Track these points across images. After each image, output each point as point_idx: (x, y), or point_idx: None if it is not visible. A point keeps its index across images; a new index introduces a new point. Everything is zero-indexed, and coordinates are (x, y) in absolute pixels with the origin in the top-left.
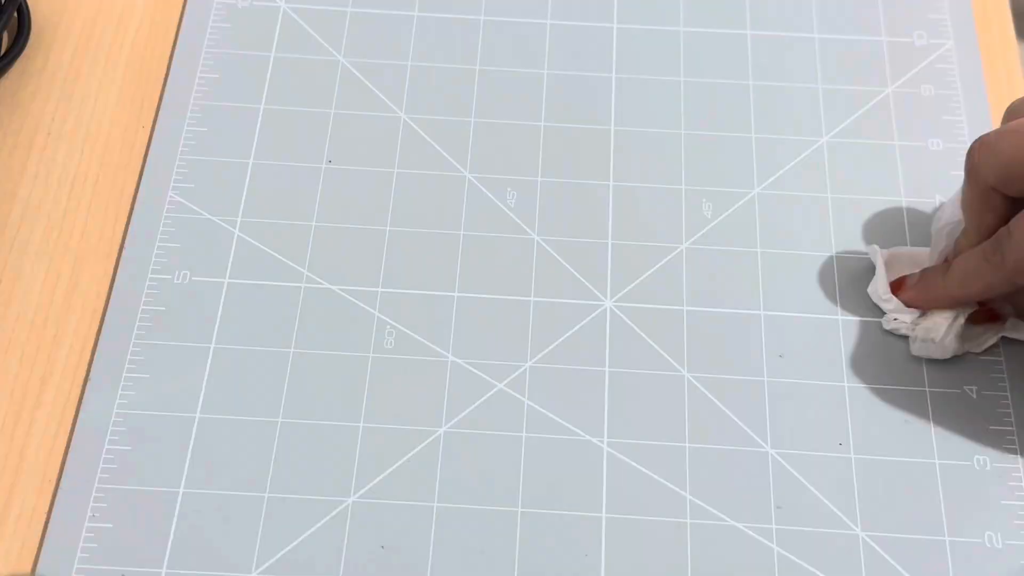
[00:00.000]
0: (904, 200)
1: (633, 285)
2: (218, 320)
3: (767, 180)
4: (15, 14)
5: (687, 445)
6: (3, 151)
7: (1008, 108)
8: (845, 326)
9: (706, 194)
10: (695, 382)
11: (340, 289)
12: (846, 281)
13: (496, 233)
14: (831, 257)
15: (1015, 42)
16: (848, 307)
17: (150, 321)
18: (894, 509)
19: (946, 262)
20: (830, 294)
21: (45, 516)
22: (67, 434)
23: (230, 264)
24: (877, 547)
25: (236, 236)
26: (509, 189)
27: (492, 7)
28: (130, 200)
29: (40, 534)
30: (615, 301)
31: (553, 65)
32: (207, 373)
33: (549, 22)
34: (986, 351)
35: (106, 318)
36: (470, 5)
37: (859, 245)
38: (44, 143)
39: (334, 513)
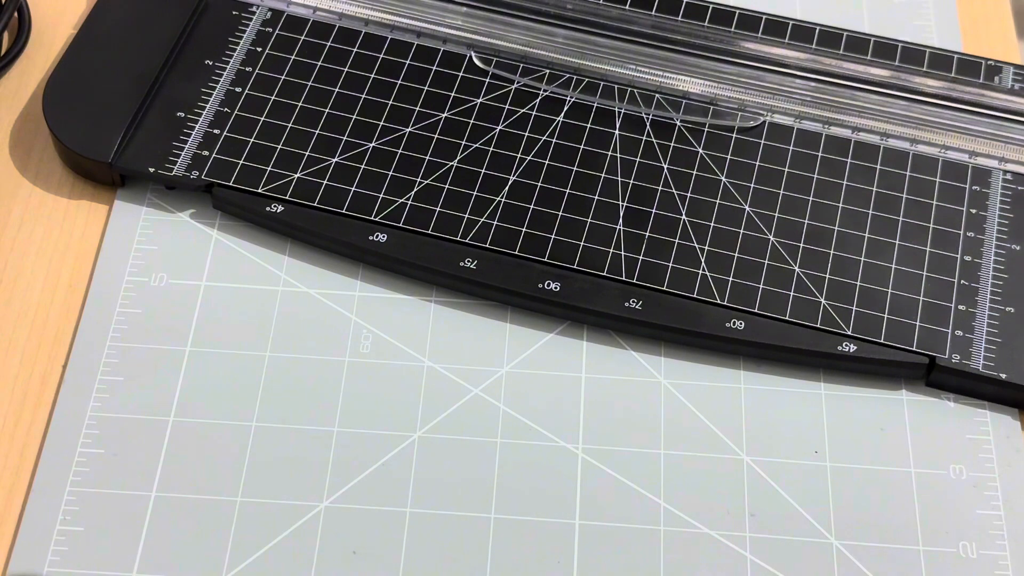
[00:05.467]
0: None
1: None
2: (194, 323)
3: None
4: (15, 14)
5: (662, 452)
6: (3, 151)
7: None
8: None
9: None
10: (671, 388)
11: (317, 292)
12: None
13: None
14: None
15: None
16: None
17: (126, 324)
18: (869, 517)
19: None
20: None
21: (16, 518)
22: (40, 436)
23: (207, 267)
24: (851, 556)
25: (214, 239)
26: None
27: None
28: (110, 201)
29: (11, 536)
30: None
31: None
32: (181, 376)
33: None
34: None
35: (81, 320)
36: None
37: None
38: (44, 143)
39: (306, 518)
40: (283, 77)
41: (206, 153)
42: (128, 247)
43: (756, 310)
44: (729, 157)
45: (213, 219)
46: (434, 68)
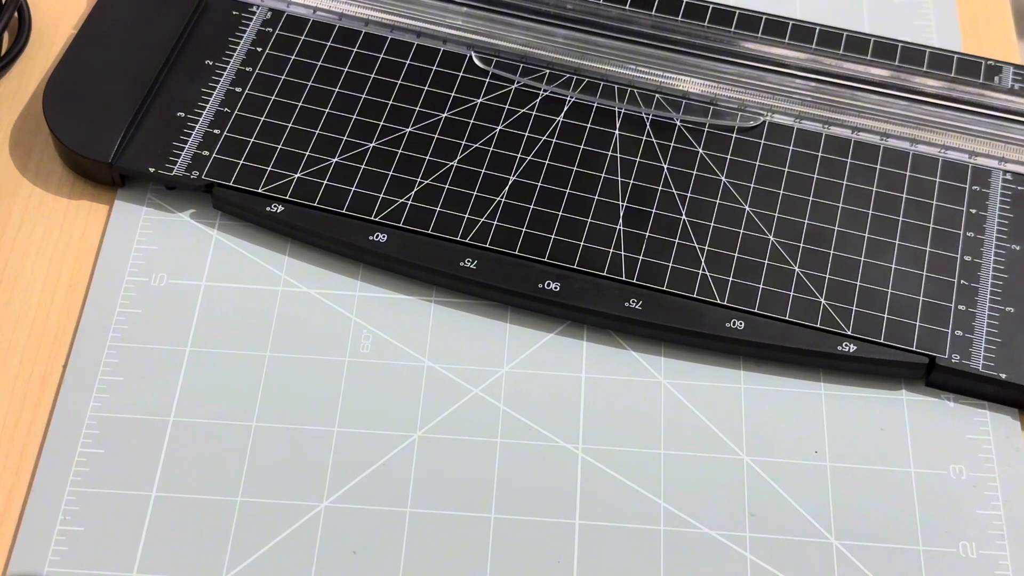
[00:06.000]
0: None
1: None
2: (194, 323)
3: None
4: (15, 14)
5: (662, 452)
6: (3, 151)
7: None
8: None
9: None
10: (671, 388)
11: (317, 292)
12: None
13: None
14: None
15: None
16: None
17: (126, 324)
18: (868, 517)
19: None
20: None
21: (16, 518)
22: (40, 436)
23: (207, 267)
24: (851, 556)
25: (214, 239)
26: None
27: None
28: (110, 201)
29: (11, 536)
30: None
31: None
32: (181, 376)
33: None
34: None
35: (81, 320)
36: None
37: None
38: (44, 143)
39: (306, 518)
40: (283, 77)
41: (206, 153)
42: (128, 247)
43: (756, 310)
44: (729, 157)
45: (213, 219)
46: (434, 68)
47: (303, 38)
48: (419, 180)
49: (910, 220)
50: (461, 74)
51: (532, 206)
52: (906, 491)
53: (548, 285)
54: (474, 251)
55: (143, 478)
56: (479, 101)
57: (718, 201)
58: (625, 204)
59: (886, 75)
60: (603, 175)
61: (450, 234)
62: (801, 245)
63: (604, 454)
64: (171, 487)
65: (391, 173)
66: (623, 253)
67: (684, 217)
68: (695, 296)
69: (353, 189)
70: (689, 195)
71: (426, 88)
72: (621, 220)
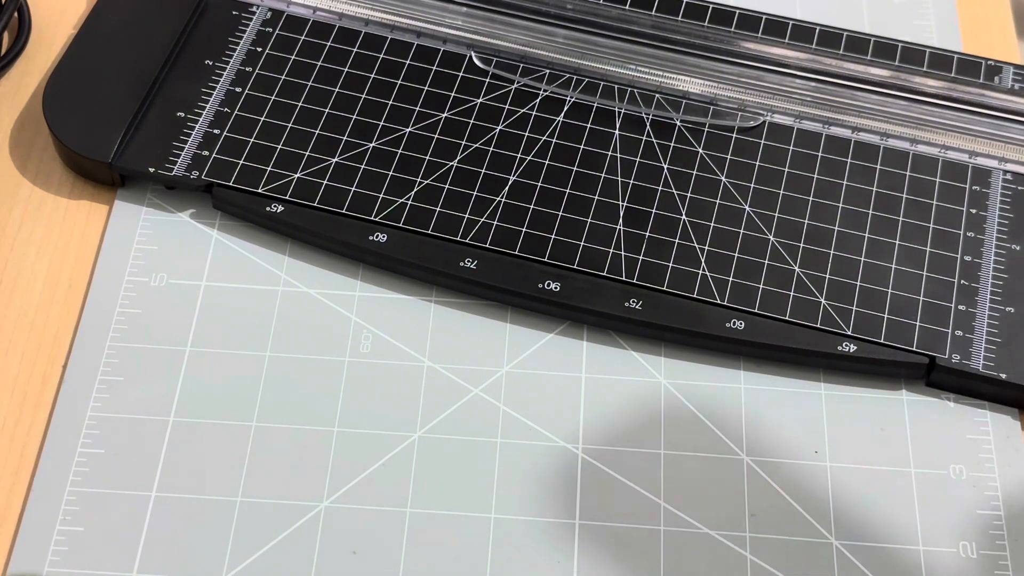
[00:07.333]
0: None
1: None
2: (194, 323)
3: None
4: (15, 14)
5: (662, 452)
6: (3, 151)
7: None
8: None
9: None
10: (671, 388)
11: (317, 292)
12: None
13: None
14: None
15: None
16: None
17: (126, 324)
18: (868, 517)
19: None
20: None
21: (16, 518)
22: (40, 436)
23: (207, 267)
24: (851, 556)
25: (214, 239)
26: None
27: None
28: (110, 201)
29: (11, 536)
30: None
31: None
32: (181, 376)
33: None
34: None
35: (81, 320)
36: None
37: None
38: (44, 143)
39: (307, 518)
40: (283, 77)
41: (206, 153)
42: (128, 247)
43: (756, 310)
44: (729, 157)
45: (213, 219)
46: (434, 68)
47: (303, 38)
48: (419, 180)
49: (910, 220)
50: (461, 74)
51: (532, 206)
52: (906, 491)
53: (548, 285)
54: (474, 251)
55: (143, 478)
56: (479, 101)
57: (718, 201)
58: (625, 204)
59: (886, 75)
60: (603, 175)
61: (450, 234)
62: (801, 245)
63: (604, 454)
64: (171, 487)
65: (391, 173)
66: (623, 253)
67: (684, 217)
68: (695, 296)
69: (353, 189)
70: (689, 195)
71: (426, 88)
72: (621, 220)
